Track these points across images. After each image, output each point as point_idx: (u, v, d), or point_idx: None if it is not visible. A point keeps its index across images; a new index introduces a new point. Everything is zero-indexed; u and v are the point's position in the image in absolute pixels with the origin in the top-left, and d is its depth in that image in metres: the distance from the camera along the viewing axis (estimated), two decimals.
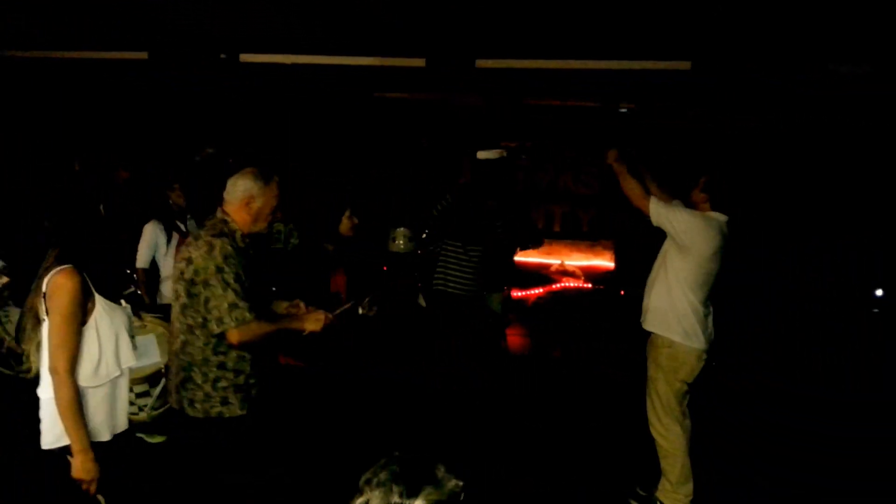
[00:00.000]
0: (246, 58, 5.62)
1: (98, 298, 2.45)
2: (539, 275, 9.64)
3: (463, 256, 5.06)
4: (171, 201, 4.94)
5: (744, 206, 3.94)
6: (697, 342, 3.82)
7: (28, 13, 4.51)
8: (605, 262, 10.09)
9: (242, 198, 2.78)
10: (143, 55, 5.97)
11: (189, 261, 2.71)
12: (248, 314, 2.67)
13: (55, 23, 4.79)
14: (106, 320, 2.46)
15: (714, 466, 4.32)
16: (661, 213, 3.73)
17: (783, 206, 7.73)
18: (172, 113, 7.67)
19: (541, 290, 9.36)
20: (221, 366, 2.79)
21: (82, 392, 2.40)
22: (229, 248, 2.69)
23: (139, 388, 3.68)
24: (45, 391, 2.44)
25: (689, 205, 3.87)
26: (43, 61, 6.32)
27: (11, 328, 4.08)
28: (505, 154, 5.22)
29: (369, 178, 8.30)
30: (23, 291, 3.89)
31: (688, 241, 3.70)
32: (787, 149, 7.89)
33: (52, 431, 2.43)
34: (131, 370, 2.74)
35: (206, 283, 2.66)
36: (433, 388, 5.13)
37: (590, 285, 9.63)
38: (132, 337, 2.60)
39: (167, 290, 4.68)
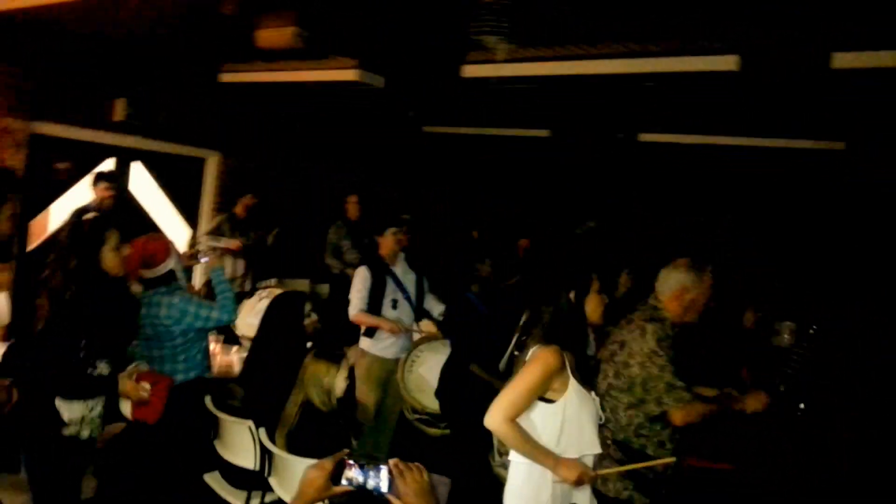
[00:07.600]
0: (644, 137, 5.55)
1: (571, 381, 2.48)
2: None
3: None
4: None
5: None
6: None
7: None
8: None
9: (675, 290, 2.75)
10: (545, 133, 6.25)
11: (622, 344, 2.73)
12: (686, 394, 2.61)
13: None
14: (574, 403, 2.46)
15: None
16: None
17: None
18: (570, 187, 7.80)
19: None
20: (640, 450, 2.74)
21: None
22: (661, 332, 2.67)
23: None
24: (512, 454, 2.48)
25: None
26: (465, 137, 7.06)
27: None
28: None
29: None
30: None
31: None
32: None
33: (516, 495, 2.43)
34: None
35: (642, 366, 2.65)
36: None
37: None
38: (599, 426, 2.57)
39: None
